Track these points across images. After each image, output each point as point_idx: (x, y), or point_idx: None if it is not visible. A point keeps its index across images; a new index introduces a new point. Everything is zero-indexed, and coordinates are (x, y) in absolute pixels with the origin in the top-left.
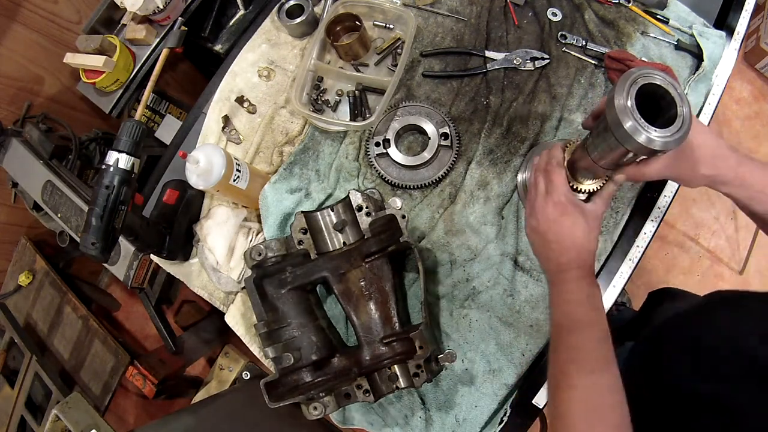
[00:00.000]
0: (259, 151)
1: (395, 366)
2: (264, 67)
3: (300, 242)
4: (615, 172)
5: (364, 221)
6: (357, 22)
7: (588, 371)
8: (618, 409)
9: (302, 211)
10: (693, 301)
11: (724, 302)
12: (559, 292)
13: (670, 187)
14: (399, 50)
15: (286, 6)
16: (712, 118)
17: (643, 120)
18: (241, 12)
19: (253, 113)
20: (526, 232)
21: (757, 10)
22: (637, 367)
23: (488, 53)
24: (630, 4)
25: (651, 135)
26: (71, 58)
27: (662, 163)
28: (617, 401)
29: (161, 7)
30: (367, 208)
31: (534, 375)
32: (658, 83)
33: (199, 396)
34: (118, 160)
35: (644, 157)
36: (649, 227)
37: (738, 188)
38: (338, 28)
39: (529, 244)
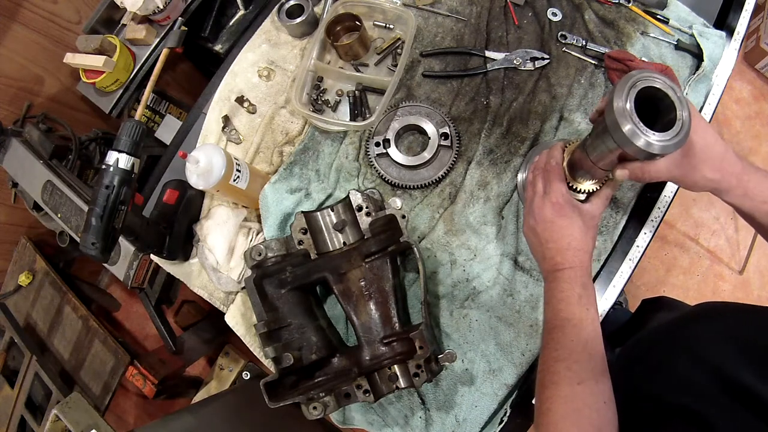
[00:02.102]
0: (259, 151)
1: (395, 366)
2: (264, 67)
3: (300, 242)
4: (616, 168)
5: (364, 221)
6: (357, 22)
7: (573, 371)
8: (603, 410)
9: (302, 211)
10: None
11: (705, 314)
12: (552, 290)
13: (670, 187)
14: (399, 50)
15: (286, 6)
16: (712, 118)
17: (641, 124)
18: (241, 12)
19: (253, 113)
20: (524, 231)
21: (757, 10)
22: (615, 374)
23: (488, 53)
24: (630, 4)
25: (649, 139)
26: (71, 58)
27: (667, 163)
28: (602, 403)
29: (161, 7)
30: (367, 208)
31: (534, 375)
32: (657, 86)
33: (199, 396)
34: (118, 160)
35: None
36: (649, 227)
37: (741, 198)
38: (338, 28)
39: (527, 242)
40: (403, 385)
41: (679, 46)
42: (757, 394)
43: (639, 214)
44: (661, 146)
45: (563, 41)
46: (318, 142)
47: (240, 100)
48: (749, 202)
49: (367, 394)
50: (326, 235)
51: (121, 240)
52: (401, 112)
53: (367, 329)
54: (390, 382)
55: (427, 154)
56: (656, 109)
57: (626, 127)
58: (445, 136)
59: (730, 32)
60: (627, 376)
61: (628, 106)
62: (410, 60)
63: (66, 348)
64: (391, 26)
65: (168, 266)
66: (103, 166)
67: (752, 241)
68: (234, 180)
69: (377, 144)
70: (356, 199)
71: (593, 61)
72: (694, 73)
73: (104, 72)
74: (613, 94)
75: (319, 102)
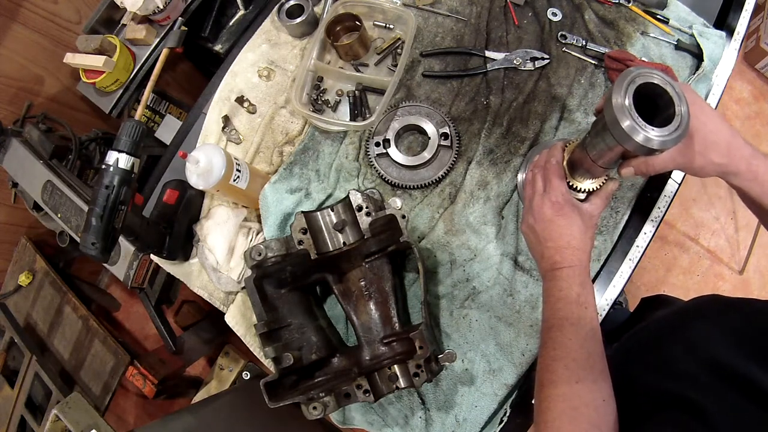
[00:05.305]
0: (259, 151)
1: (395, 366)
2: (264, 67)
3: (300, 242)
4: (621, 166)
5: (364, 221)
6: (357, 22)
7: (571, 370)
8: (601, 409)
9: (302, 211)
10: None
11: (699, 307)
12: (550, 289)
13: (670, 186)
14: (399, 50)
15: (286, 6)
16: None
17: (641, 119)
18: (241, 12)
19: (253, 113)
20: (522, 229)
21: (757, 10)
22: (612, 369)
23: (488, 53)
24: (630, 4)
25: (649, 134)
26: (71, 58)
27: (671, 153)
28: (601, 401)
29: (161, 7)
30: (367, 208)
31: (534, 375)
32: (656, 82)
33: (199, 396)
34: (118, 160)
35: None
36: (649, 227)
37: (751, 182)
38: (338, 28)
39: (525, 241)
40: (403, 385)
41: (679, 46)
42: (751, 380)
43: (639, 214)
44: (660, 141)
45: (563, 41)
46: (318, 142)
47: (240, 100)
48: (758, 188)
49: (367, 394)
50: (326, 235)
51: (121, 240)
52: (401, 112)
53: (367, 329)
54: (390, 382)
55: (427, 154)
56: (655, 105)
57: (625, 123)
58: (445, 136)
59: (730, 32)
60: (623, 371)
61: (627, 102)
62: (410, 60)
63: (66, 348)
64: (391, 26)
65: (168, 266)
66: (103, 166)
67: (752, 241)
68: (234, 180)
69: (377, 144)
70: (356, 199)
71: (593, 61)
72: (694, 73)
73: (104, 72)
74: (611, 91)
75: (319, 102)
